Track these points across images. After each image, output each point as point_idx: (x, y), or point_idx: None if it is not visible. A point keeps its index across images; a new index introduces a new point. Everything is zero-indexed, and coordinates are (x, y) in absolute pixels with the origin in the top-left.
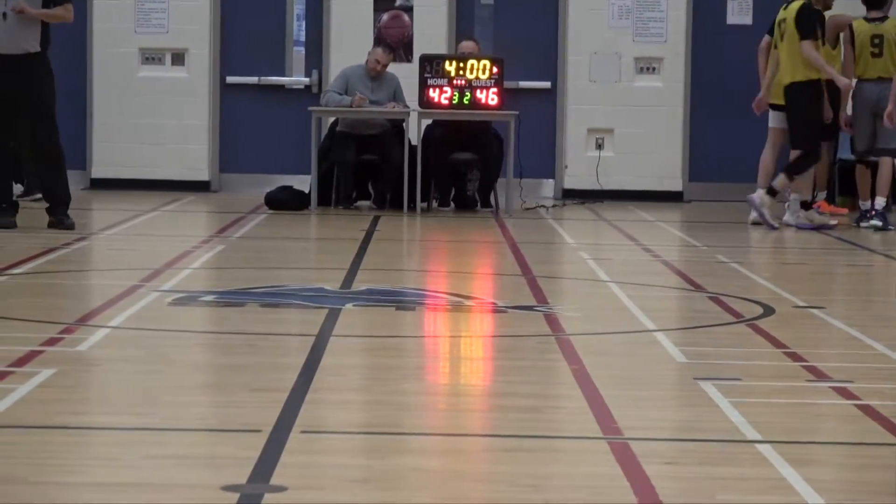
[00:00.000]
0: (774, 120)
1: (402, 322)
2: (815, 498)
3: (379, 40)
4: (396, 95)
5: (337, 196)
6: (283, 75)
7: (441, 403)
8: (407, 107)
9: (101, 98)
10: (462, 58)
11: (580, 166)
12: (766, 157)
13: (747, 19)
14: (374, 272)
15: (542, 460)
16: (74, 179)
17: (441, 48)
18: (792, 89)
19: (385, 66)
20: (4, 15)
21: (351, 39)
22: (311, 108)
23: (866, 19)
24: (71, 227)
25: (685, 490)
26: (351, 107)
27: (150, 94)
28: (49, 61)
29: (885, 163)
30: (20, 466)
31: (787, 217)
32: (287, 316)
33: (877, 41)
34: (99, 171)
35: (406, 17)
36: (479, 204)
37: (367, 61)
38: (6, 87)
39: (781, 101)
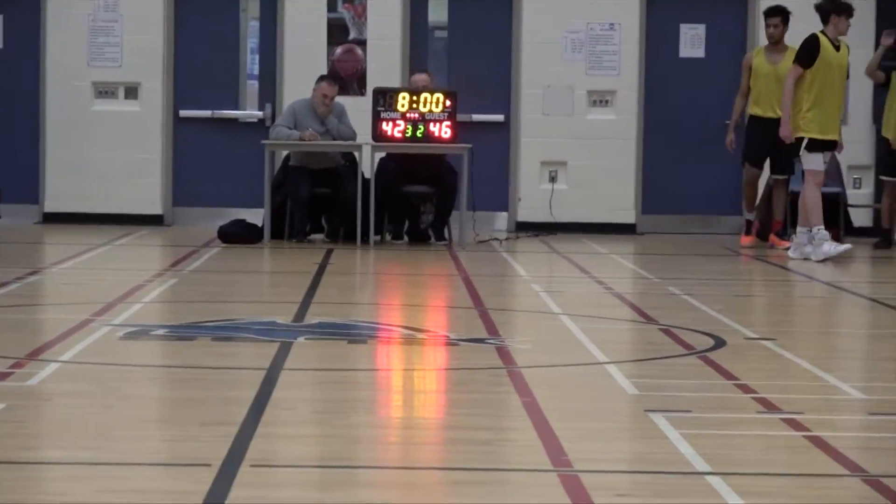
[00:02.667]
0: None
1: (355, 355)
2: None
3: (331, 73)
4: (341, 120)
5: (290, 229)
6: (237, 109)
7: (393, 437)
8: (351, 129)
9: (54, 132)
10: (415, 91)
11: (533, 199)
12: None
13: (700, 52)
14: (327, 305)
15: (493, 493)
16: (27, 213)
17: (394, 81)
18: None
19: (332, 98)
20: None
21: (304, 73)
22: (264, 142)
23: None
24: None
25: None
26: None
27: (103, 127)
28: None
29: None
30: None
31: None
32: (239, 349)
33: None
34: (52, 205)
35: (359, 51)
36: (432, 237)
37: (313, 96)
38: None
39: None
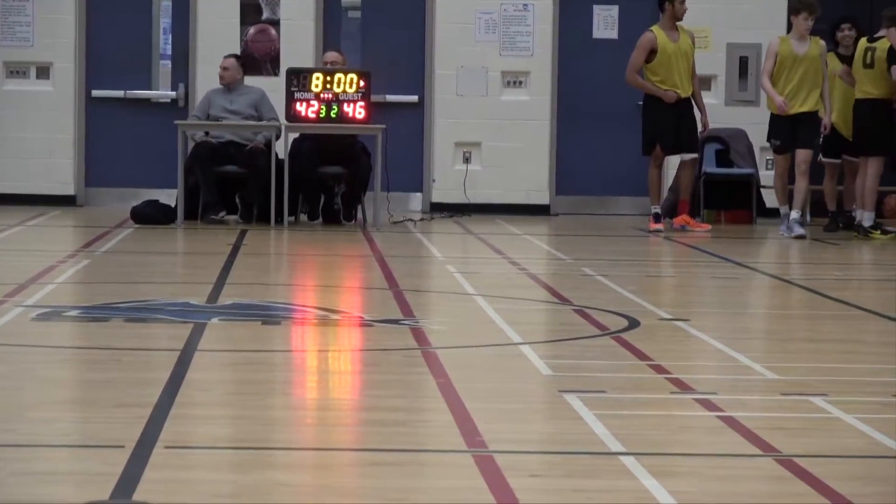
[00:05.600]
0: None
1: (269, 336)
2: None
3: (243, 53)
4: (259, 109)
5: (203, 209)
6: (150, 89)
7: (308, 418)
8: (275, 120)
9: None
10: (329, 71)
11: (448, 180)
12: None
13: (613, 34)
14: (241, 286)
15: (407, 474)
16: None
17: (308, 62)
18: None
19: (228, 70)
20: None
21: (217, 53)
22: (177, 122)
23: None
24: None
25: (550, 503)
26: (208, 135)
27: (14, 107)
28: None
29: None
30: None
31: None
32: (152, 331)
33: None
34: None
35: (272, 31)
36: (346, 217)
37: None
38: None
39: None
